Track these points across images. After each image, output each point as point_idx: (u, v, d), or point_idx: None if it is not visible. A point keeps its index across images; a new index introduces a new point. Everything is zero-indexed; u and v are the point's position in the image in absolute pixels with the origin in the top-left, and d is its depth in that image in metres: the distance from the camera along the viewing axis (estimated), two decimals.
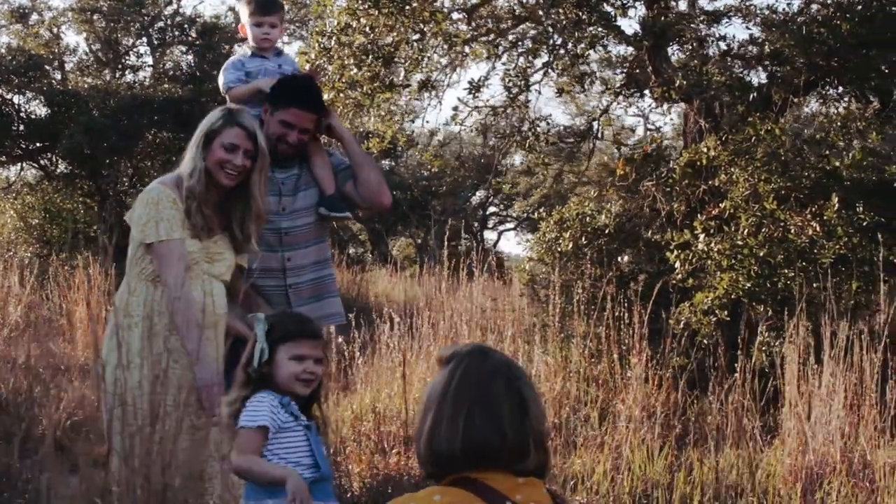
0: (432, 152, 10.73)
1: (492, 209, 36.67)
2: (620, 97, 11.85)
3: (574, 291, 9.87)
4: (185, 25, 22.40)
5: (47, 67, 20.73)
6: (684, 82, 9.55)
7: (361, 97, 9.67)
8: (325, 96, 9.80)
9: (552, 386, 9.29)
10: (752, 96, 10.06)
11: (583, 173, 12.99)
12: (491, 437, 3.06)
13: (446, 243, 12.73)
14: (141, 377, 4.78)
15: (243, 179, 5.16)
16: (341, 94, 9.79)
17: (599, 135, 12.24)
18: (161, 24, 22.45)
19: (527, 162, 27.92)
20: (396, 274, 21.44)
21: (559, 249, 10.77)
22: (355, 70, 9.53)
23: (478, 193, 34.07)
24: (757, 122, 9.73)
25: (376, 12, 9.09)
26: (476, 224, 35.71)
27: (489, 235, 37.97)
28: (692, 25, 9.83)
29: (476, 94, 10.10)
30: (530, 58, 10.12)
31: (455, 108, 10.46)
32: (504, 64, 10.18)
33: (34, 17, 21.91)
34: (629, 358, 9.14)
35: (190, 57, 22.38)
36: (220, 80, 6.07)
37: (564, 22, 9.34)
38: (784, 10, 10.51)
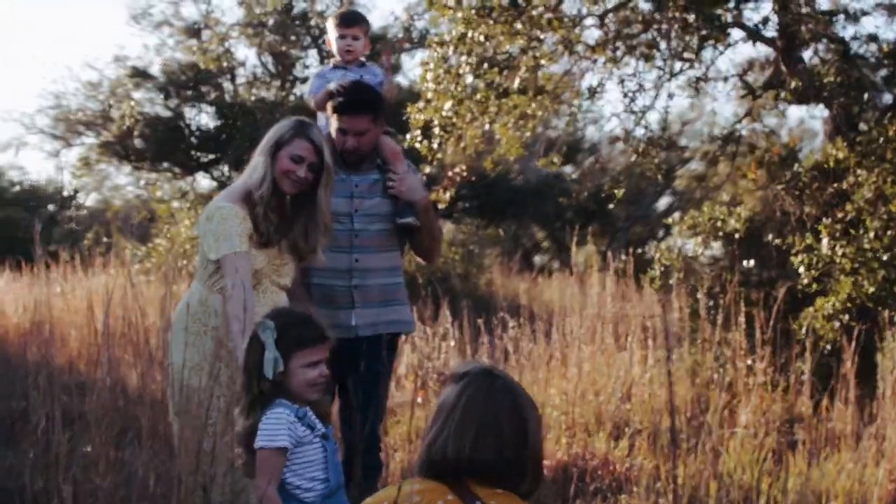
0: (550, 158, 10.70)
1: (677, 215, 36.14)
2: (758, 100, 11.69)
3: (701, 296, 9.83)
4: None
5: (219, 80, 21.47)
6: (800, 84, 9.38)
7: (475, 105, 9.81)
8: (446, 105, 10.02)
9: (675, 390, 9.27)
10: (868, 96, 9.79)
11: (728, 176, 12.81)
12: (492, 457, 3.23)
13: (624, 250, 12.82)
14: (209, 380, 5.02)
15: (308, 191, 5.36)
16: (464, 103, 9.92)
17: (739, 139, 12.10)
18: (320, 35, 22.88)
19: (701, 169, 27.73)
20: (566, 281, 21.27)
21: (689, 255, 10.74)
22: (471, 78, 9.68)
23: (662, 200, 33.68)
24: (886, 122, 9.52)
25: (492, 21, 9.21)
26: (662, 231, 35.33)
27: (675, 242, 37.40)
28: (810, 26, 9.59)
29: (593, 100, 10.19)
30: (644, 62, 10.07)
31: (571, 114, 10.56)
32: (619, 69, 10.15)
33: (207, 33, 22.62)
34: (753, 363, 9.08)
35: None
36: (306, 89, 6.32)
37: (676, 25, 9.33)
38: None
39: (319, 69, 6.41)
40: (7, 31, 67.38)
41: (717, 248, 11.39)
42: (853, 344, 8.07)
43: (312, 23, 22.50)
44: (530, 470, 3.30)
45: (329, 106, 5.93)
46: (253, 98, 20.72)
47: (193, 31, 22.39)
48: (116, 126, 20.27)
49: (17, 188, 32.95)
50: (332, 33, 6.30)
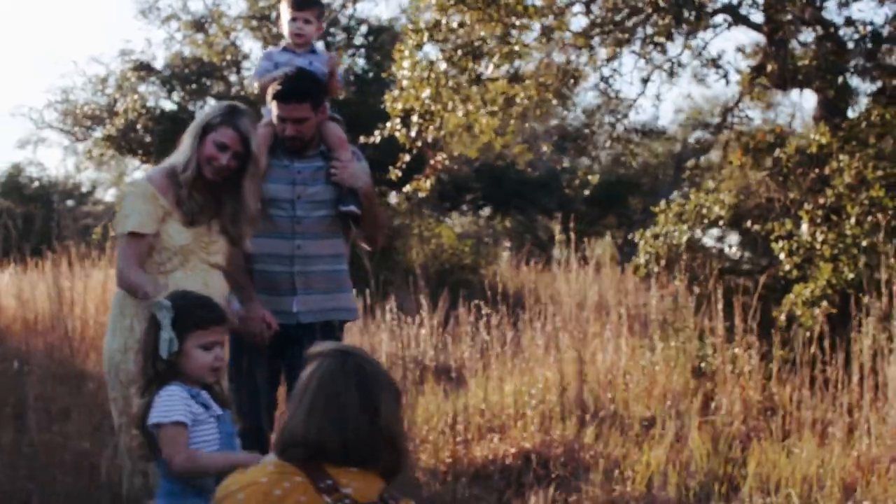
0: (524, 148, 10.64)
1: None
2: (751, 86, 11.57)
3: (679, 283, 9.76)
4: (352, 28, 22.81)
5: (225, 73, 21.50)
6: (776, 68, 9.28)
7: (446, 92, 9.74)
8: (424, 93, 9.95)
9: (655, 379, 9.21)
10: (844, 80, 9.69)
11: (721, 164, 12.71)
12: (337, 439, 3.19)
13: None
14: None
15: (233, 178, 5.30)
16: (442, 91, 9.85)
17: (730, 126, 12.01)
18: (333, 28, 22.85)
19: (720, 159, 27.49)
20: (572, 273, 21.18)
21: (674, 242, 10.63)
22: (444, 65, 9.62)
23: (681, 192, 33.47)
24: (871, 107, 9.42)
25: (465, 8, 9.14)
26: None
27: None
28: (790, 11, 9.48)
29: (570, 88, 10.10)
30: (618, 48, 9.98)
31: (545, 101, 10.45)
32: (592, 55, 10.06)
33: (214, 28, 22.58)
34: (735, 351, 9.01)
35: (362, 61, 22.80)
36: (253, 70, 6.27)
37: (650, 10, 9.25)
38: None
39: (267, 50, 6.34)
40: (16, 28, 67.82)
41: (708, 234, 11.34)
42: (817, 329, 7.98)
43: None
44: (384, 450, 3.23)
45: (269, 93, 5.89)
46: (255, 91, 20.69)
47: (200, 25, 22.42)
48: (121, 119, 20.31)
49: (36, 184, 33.17)
50: (284, 15, 6.23)
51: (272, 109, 5.88)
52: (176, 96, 21.34)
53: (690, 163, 25.69)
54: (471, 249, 22.02)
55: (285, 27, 6.21)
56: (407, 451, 3.39)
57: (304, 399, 3.25)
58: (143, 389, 4.12)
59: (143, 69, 21.06)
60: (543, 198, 25.33)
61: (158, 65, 21.83)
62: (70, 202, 33.37)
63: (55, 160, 76.55)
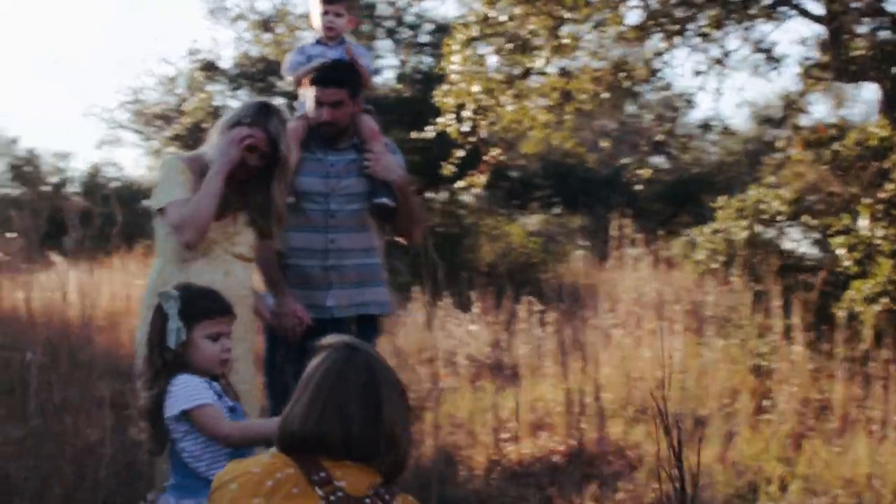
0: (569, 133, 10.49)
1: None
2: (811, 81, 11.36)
3: (736, 279, 9.63)
4: (418, 26, 22.78)
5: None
6: (830, 59, 9.09)
7: (496, 86, 9.66)
8: (475, 87, 9.88)
9: (711, 377, 9.07)
10: None
11: (784, 159, 12.52)
12: (336, 433, 3.13)
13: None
14: None
15: (263, 177, 5.25)
16: (494, 85, 9.78)
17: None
18: (399, 27, 22.86)
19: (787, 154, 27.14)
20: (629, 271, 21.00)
21: (733, 238, 10.48)
22: (494, 59, 9.57)
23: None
24: None
25: (515, 1, 9.07)
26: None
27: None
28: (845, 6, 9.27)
29: (622, 82, 9.98)
30: (671, 40, 9.83)
31: (598, 95, 10.33)
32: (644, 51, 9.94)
33: (281, 27, 22.66)
34: (792, 347, 8.86)
35: (428, 58, 22.72)
36: (284, 64, 6.24)
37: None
38: None
39: (300, 44, 6.32)
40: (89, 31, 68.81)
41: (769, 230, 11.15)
42: (872, 325, 7.82)
43: (378, 12, 22.51)
44: (384, 450, 3.17)
45: (306, 79, 5.87)
46: None
47: (266, 25, 22.50)
48: (188, 119, 20.52)
49: (117, 184, 33.54)
50: (315, 8, 6.21)
51: (308, 96, 5.85)
52: (243, 95, 21.48)
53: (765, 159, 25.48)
54: (540, 247, 21.92)
55: (316, 20, 6.17)
56: (409, 452, 3.31)
57: (306, 391, 3.20)
58: (150, 381, 4.08)
59: (210, 69, 21.25)
60: (610, 195, 25.09)
61: (225, 64, 22.06)
62: (146, 202, 33.68)
63: (131, 160, 77.54)
